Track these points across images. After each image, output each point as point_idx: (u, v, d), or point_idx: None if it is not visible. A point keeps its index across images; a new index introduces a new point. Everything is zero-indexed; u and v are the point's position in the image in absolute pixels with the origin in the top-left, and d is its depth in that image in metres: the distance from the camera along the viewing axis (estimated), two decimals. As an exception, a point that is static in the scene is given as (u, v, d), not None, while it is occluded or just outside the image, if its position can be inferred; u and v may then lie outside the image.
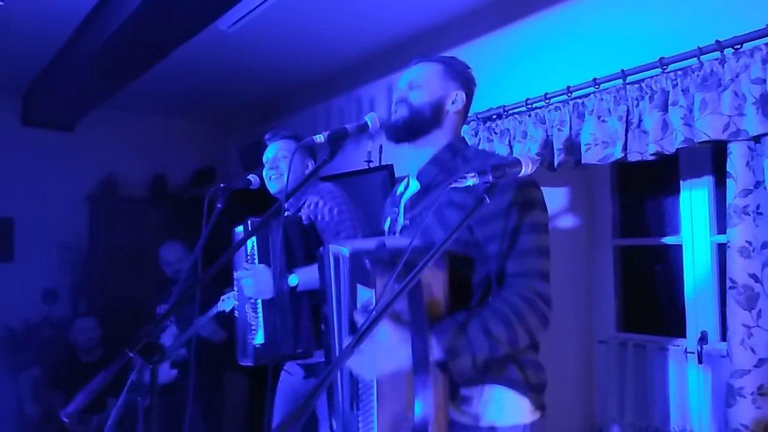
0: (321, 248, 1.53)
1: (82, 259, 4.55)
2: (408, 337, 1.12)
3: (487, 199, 1.14)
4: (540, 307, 1.27)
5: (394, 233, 1.51)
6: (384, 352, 1.14)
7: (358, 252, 1.22)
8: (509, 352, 1.26)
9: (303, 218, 2.18)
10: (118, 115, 4.69)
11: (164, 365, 3.17)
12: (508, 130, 2.54)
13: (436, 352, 1.16)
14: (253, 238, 2.08)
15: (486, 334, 1.20)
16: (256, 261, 2.09)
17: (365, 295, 1.20)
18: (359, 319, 1.21)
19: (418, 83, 1.50)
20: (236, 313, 2.27)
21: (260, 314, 2.04)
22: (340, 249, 1.32)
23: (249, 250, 2.13)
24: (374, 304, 1.13)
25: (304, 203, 2.25)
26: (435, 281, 1.19)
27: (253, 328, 2.07)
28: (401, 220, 1.51)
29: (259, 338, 2.04)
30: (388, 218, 1.60)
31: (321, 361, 2.01)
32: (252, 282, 2.00)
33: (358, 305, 1.23)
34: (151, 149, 4.94)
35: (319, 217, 2.14)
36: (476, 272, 1.35)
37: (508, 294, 1.28)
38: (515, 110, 2.54)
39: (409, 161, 1.55)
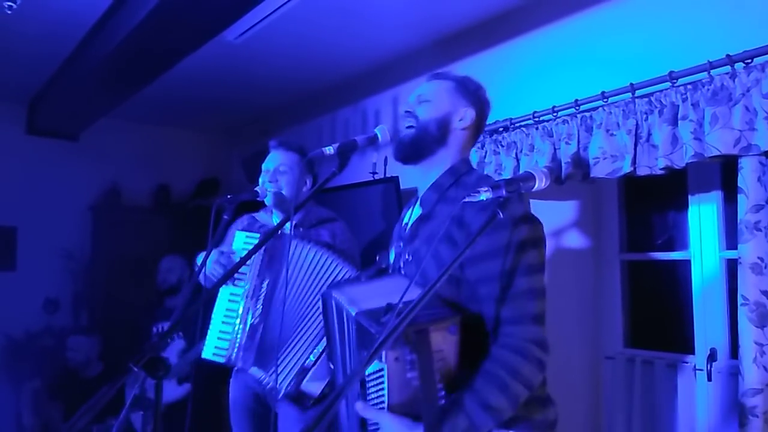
0: (324, 291, 1.50)
1: (85, 269, 4.53)
2: (411, 428, 1.11)
3: (500, 214, 1.12)
4: (534, 354, 1.24)
5: (399, 269, 1.48)
6: None
7: (366, 318, 1.16)
8: (513, 411, 1.23)
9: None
10: (122, 125, 4.70)
11: (170, 382, 3.11)
12: (515, 142, 2.53)
13: None
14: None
15: (486, 410, 1.17)
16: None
17: (375, 365, 1.15)
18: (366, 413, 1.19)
19: (426, 97, 1.48)
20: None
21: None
22: (347, 307, 1.26)
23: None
24: (386, 380, 1.11)
25: (311, 227, 2.19)
26: (447, 346, 1.15)
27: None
28: (404, 254, 1.48)
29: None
30: (393, 251, 1.56)
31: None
32: None
33: (366, 372, 1.18)
34: (155, 159, 4.93)
35: None
36: (466, 312, 1.30)
37: (500, 350, 1.24)
38: (522, 123, 2.53)
39: (418, 182, 1.52)
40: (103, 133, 4.55)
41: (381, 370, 1.12)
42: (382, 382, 1.13)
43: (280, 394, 1.91)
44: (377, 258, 1.59)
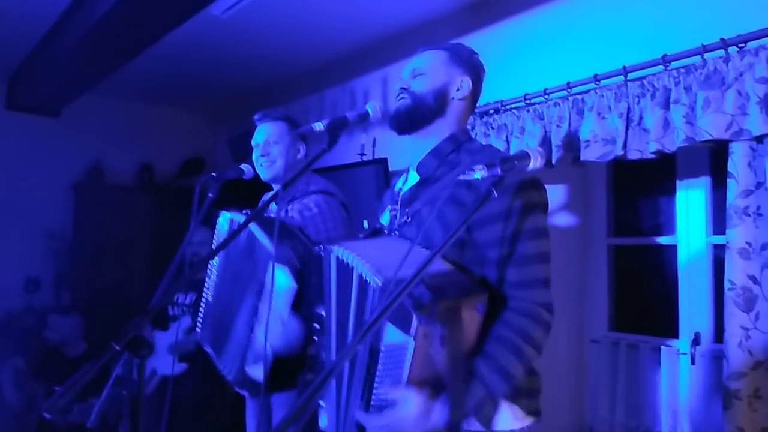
0: (319, 248, 1.44)
1: (66, 248, 4.46)
2: (431, 407, 1.10)
3: (495, 193, 1.10)
4: (544, 317, 1.25)
5: (394, 231, 1.46)
6: (409, 424, 1.11)
7: (395, 286, 1.10)
8: (524, 374, 1.24)
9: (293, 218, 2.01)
10: (105, 102, 4.61)
11: (170, 358, 3.06)
12: (505, 125, 2.51)
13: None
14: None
15: (503, 376, 1.18)
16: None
17: (396, 337, 1.12)
18: (384, 392, 1.15)
19: (420, 71, 1.45)
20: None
21: None
22: (372, 276, 1.20)
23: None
24: (410, 356, 1.08)
25: (293, 199, 2.09)
26: (472, 322, 1.14)
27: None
28: (400, 217, 1.45)
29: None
30: (387, 214, 1.54)
31: None
32: None
33: (383, 344, 1.15)
34: (139, 137, 4.85)
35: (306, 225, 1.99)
36: (474, 274, 1.29)
37: (512, 314, 1.24)
38: (513, 105, 2.50)
39: (410, 153, 1.50)
40: (86, 110, 4.46)
41: (403, 345, 1.09)
42: (402, 358, 1.10)
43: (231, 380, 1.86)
44: (364, 223, 1.56)
